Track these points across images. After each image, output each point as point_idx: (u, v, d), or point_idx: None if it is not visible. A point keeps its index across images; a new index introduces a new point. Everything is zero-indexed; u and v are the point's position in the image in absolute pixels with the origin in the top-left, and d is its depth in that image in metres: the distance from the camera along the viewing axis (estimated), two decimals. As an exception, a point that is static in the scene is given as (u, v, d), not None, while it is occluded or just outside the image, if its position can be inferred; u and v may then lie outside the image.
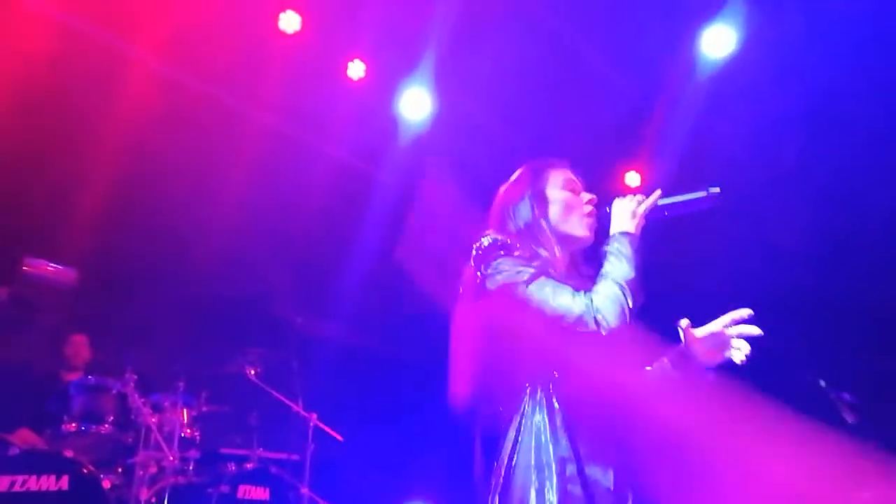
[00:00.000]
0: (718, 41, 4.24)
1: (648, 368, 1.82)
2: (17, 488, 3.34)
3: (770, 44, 4.09)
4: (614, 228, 1.69)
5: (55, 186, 4.40)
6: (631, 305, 1.55)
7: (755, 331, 1.67)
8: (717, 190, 1.64)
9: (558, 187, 1.78)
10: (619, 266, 1.60)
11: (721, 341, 1.68)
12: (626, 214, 1.69)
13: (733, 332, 1.68)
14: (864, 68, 3.92)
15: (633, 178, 5.16)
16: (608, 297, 1.54)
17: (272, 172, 4.83)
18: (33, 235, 4.15)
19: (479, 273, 1.66)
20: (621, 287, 1.56)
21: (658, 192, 1.71)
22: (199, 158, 4.53)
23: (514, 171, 1.93)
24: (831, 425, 3.21)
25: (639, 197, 1.71)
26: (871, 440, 3.05)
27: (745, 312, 1.68)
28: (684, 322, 1.72)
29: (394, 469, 5.19)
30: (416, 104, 4.55)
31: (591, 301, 1.54)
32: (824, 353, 4.25)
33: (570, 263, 1.75)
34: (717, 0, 4.12)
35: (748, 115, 4.44)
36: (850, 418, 3.20)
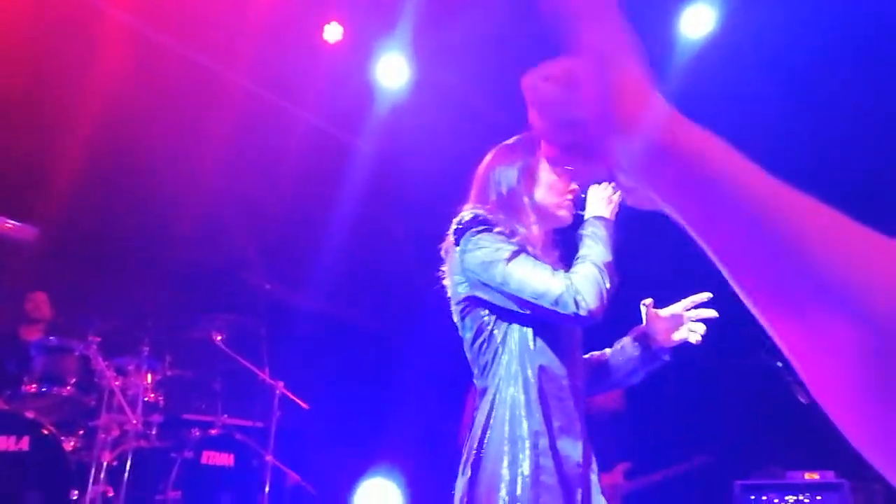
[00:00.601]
0: (698, 21, 4.23)
1: (609, 350, 1.89)
2: (-24, 447, 3.29)
3: (750, 24, 4.09)
4: (589, 213, 1.73)
5: (28, 145, 4.29)
6: (608, 287, 1.58)
7: (711, 314, 1.76)
8: None
9: (548, 167, 1.78)
10: (596, 248, 1.63)
11: (680, 323, 1.77)
12: (601, 200, 1.73)
13: (692, 315, 1.77)
14: (844, 48, 3.95)
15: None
16: (587, 278, 1.56)
17: (247, 137, 4.75)
18: (4, 194, 4.05)
19: (458, 247, 1.67)
20: (599, 269, 1.59)
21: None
22: (172, 120, 4.44)
23: (490, 142, 1.91)
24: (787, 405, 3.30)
25: (613, 184, 1.73)
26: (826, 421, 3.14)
27: (704, 296, 1.76)
28: (648, 301, 1.80)
29: (359, 440, 5.23)
30: (393, 71, 4.48)
31: (571, 281, 1.55)
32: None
33: (545, 242, 1.77)
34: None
35: (726, 96, 4.46)
36: (804, 399, 3.28)
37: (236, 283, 4.77)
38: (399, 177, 5.09)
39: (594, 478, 1.65)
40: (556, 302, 1.53)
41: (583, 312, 1.52)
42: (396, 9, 4.08)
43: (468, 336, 1.73)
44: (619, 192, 1.72)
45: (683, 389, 4.22)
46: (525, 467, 1.52)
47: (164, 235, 4.90)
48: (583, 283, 1.55)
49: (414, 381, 5.31)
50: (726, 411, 4.06)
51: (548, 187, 1.77)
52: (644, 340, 1.81)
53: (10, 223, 3.74)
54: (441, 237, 1.78)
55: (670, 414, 4.39)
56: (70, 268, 4.76)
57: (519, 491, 1.50)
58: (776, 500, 3.82)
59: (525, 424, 1.55)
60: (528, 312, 1.61)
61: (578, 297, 1.53)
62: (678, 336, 1.77)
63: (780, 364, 3.37)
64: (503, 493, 1.51)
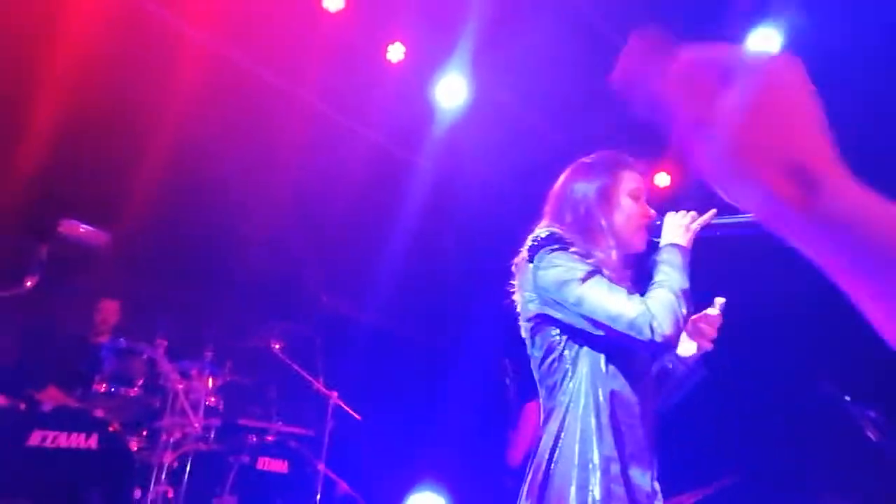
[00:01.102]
0: (764, 42, 4.15)
1: None
2: (48, 444, 3.43)
3: (814, 46, 3.99)
4: (665, 240, 1.68)
5: (107, 157, 4.49)
6: (684, 314, 1.55)
7: (718, 318, 1.80)
8: None
9: (627, 192, 1.76)
10: (672, 275, 1.59)
11: (698, 330, 1.81)
12: (678, 228, 1.68)
13: (708, 325, 1.81)
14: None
15: (662, 179, 5.10)
16: (663, 304, 1.53)
17: (312, 152, 4.86)
18: (84, 201, 4.25)
19: (532, 264, 1.66)
20: (676, 295, 1.56)
21: (713, 211, 1.70)
22: (242, 136, 4.60)
23: (544, 161, 1.92)
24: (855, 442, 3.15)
25: (692, 213, 1.70)
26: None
27: (719, 301, 1.81)
28: (721, 300, 1.82)
29: (409, 452, 5.24)
30: (452, 90, 4.54)
31: (647, 306, 1.52)
32: (849, 366, 4.16)
33: (621, 267, 1.73)
34: (764, 1, 4.02)
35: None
36: (874, 436, 3.13)
37: (296, 294, 4.87)
38: (456, 194, 5.13)
39: None
40: (631, 326, 1.50)
41: (658, 338, 1.49)
42: (457, 30, 4.14)
43: (537, 354, 1.71)
44: (696, 222, 1.68)
45: (737, 412, 4.09)
46: (596, 493, 1.49)
47: (231, 246, 5.05)
48: (659, 309, 1.52)
49: (465, 395, 5.30)
50: (783, 442, 3.89)
51: (625, 211, 1.74)
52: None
53: (84, 228, 3.94)
54: (496, 253, 1.78)
55: (711, 438, 4.24)
56: (141, 273, 4.96)
57: None
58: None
59: (596, 449, 1.53)
60: (601, 334, 1.58)
61: (654, 323, 1.50)
62: (695, 345, 1.80)
63: (847, 398, 3.23)
64: None
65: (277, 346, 4.56)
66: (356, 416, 4.60)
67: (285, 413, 4.62)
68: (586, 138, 1.96)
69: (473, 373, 4.94)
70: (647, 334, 1.49)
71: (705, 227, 1.68)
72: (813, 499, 3.69)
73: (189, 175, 4.66)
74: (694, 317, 1.80)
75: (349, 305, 5.45)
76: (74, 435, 3.55)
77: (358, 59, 4.43)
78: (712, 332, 1.81)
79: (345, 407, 4.57)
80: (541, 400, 1.70)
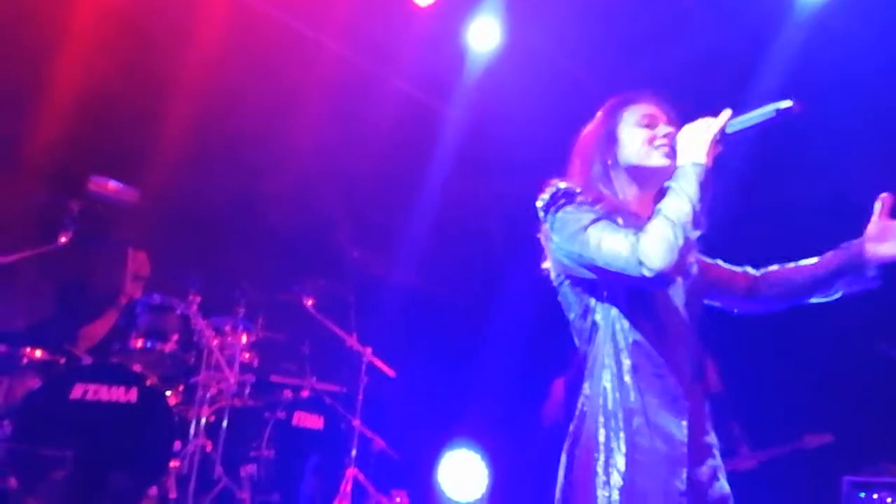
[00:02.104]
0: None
1: (812, 259, 1.74)
2: (89, 396, 3.51)
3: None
4: (681, 159, 1.57)
5: (131, 112, 4.45)
6: (682, 242, 1.44)
7: None
8: (789, 104, 1.49)
9: (632, 124, 1.70)
10: (674, 201, 1.49)
11: None
12: (692, 142, 1.56)
13: None
14: None
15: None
16: (654, 237, 1.44)
17: (340, 104, 4.76)
18: (114, 158, 4.25)
19: (547, 227, 1.64)
20: (672, 222, 1.45)
21: (728, 112, 1.57)
22: (267, 85, 4.51)
23: (584, 108, 1.84)
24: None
25: (708, 119, 1.58)
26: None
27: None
28: (885, 195, 1.66)
29: (443, 408, 5.25)
30: (485, 34, 4.35)
31: (638, 241, 1.45)
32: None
33: (650, 202, 1.64)
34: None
35: (844, 61, 4.08)
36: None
37: (327, 249, 4.84)
38: (490, 144, 4.99)
39: (712, 461, 1.57)
40: (625, 265, 1.45)
41: (648, 273, 1.42)
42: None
43: (571, 317, 1.69)
44: (712, 129, 1.55)
45: (799, 372, 3.98)
46: (620, 446, 1.48)
47: (260, 200, 5.02)
48: (649, 243, 1.44)
49: (499, 353, 5.26)
50: (840, 401, 3.78)
51: (631, 143, 1.68)
52: (857, 256, 1.66)
53: (114, 184, 3.94)
54: (532, 206, 1.74)
55: (780, 397, 4.14)
56: (171, 230, 4.96)
57: (614, 470, 1.46)
58: (889, 500, 3.55)
59: (619, 403, 1.51)
60: (608, 280, 1.55)
61: (643, 258, 1.43)
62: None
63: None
64: (600, 471, 1.48)
65: (310, 303, 4.56)
66: (390, 372, 4.59)
67: (319, 369, 4.65)
68: (624, 83, 1.85)
69: (507, 328, 4.88)
70: (636, 271, 1.44)
71: (723, 134, 1.56)
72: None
73: (215, 128, 4.61)
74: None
75: (381, 261, 5.40)
76: (115, 388, 3.61)
77: (385, 3, 4.26)
78: None
79: (378, 363, 4.56)
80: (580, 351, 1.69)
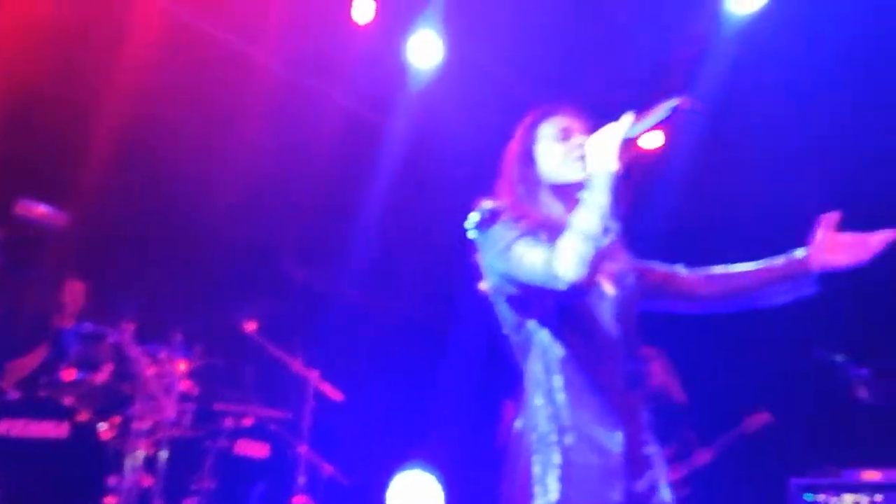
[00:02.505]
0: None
1: (754, 263, 1.78)
2: (16, 433, 3.37)
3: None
4: (590, 168, 1.58)
5: (59, 131, 4.33)
6: (592, 254, 1.45)
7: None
8: (678, 101, 1.52)
9: (548, 140, 1.73)
10: (583, 213, 1.51)
11: (854, 245, 1.70)
12: (601, 149, 1.57)
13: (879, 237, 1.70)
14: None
15: (654, 139, 5.00)
16: (565, 251, 1.47)
17: (279, 120, 4.72)
18: (37, 178, 4.11)
19: (477, 246, 1.67)
20: (582, 236, 1.47)
21: (630, 115, 1.58)
22: (204, 106, 4.45)
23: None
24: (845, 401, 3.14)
25: (612, 125, 1.58)
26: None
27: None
28: (833, 214, 1.74)
29: (394, 431, 5.20)
30: (425, 50, 4.37)
31: (551, 256, 1.49)
32: (842, 327, 4.15)
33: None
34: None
35: (774, 75, 4.28)
36: (864, 395, 3.12)
37: (269, 270, 4.75)
38: (433, 158, 5.03)
39: (652, 471, 1.58)
40: (542, 280, 1.49)
41: (562, 286, 1.46)
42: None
43: (506, 332, 1.71)
44: (617, 134, 1.55)
45: (744, 377, 4.11)
46: (554, 461, 1.50)
47: (197, 222, 4.90)
48: (561, 255, 1.47)
49: (449, 371, 5.25)
50: (780, 405, 3.91)
51: (551, 159, 1.72)
52: (801, 264, 1.72)
53: (42, 209, 3.77)
54: None
55: (726, 402, 4.25)
56: (102, 254, 4.79)
57: (550, 486, 1.48)
58: (833, 500, 3.64)
59: (552, 419, 1.53)
60: (534, 296, 1.58)
61: (556, 271, 1.47)
62: (848, 258, 1.70)
63: (839, 359, 3.19)
64: (537, 488, 1.50)
65: (252, 326, 4.45)
66: (338, 395, 4.51)
67: (264, 396, 4.57)
68: (565, 97, 1.86)
69: (459, 347, 4.87)
70: (552, 285, 1.47)
71: (626, 139, 1.56)
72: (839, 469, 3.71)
73: (147, 149, 4.51)
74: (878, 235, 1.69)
75: (326, 280, 5.33)
76: (43, 423, 3.48)
77: (323, 19, 4.26)
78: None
79: (325, 387, 4.47)
80: None
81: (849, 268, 1.71)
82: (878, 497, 3.56)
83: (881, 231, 1.70)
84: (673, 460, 4.07)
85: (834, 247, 1.72)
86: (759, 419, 4.03)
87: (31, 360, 4.01)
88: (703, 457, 4.02)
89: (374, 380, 5.35)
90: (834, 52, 3.99)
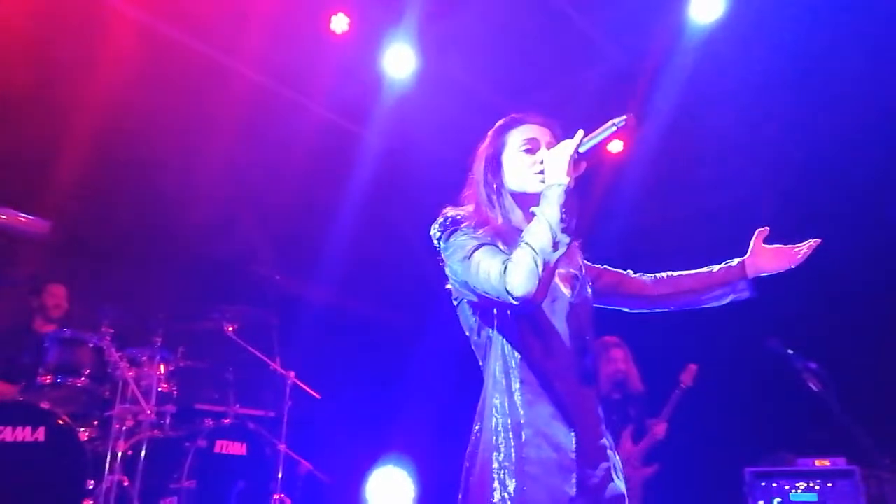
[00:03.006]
0: (707, 6, 4.19)
1: (704, 269, 1.98)
2: (-8, 438, 3.32)
3: (758, 10, 4.06)
4: (546, 181, 1.65)
5: (38, 140, 4.31)
6: (542, 269, 1.51)
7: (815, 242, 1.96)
8: (623, 119, 1.64)
9: (515, 149, 1.77)
10: (536, 228, 1.56)
11: (784, 256, 1.94)
12: (555, 163, 1.65)
13: (800, 248, 1.96)
14: (851, 34, 3.91)
15: (615, 145, 5.14)
16: (517, 265, 1.51)
17: (255, 129, 4.75)
18: (14, 188, 4.07)
19: (440, 252, 1.71)
20: (532, 252, 1.52)
21: (581, 132, 1.66)
22: (181, 114, 4.45)
23: None
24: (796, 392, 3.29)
25: (566, 141, 1.67)
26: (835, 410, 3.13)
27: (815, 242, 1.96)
28: (764, 229, 1.96)
29: (371, 429, 5.26)
30: (399, 61, 4.46)
31: (504, 269, 1.52)
32: (795, 322, 4.32)
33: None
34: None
35: (733, 81, 4.43)
36: (815, 386, 3.26)
37: (247, 275, 4.79)
38: (407, 166, 5.09)
39: (606, 463, 1.64)
40: (495, 292, 1.53)
41: (514, 301, 1.50)
42: (402, -2, 4.06)
43: (467, 335, 1.76)
44: (569, 149, 1.64)
45: (701, 370, 4.23)
46: (511, 457, 1.54)
47: (175, 228, 4.92)
48: (513, 271, 1.51)
49: (424, 370, 5.32)
50: (735, 397, 4.05)
51: (514, 169, 1.76)
52: (739, 271, 1.93)
53: (23, 217, 3.77)
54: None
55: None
56: (82, 261, 4.79)
57: (507, 480, 1.53)
58: (787, 487, 3.82)
59: (509, 417, 1.57)
60: (490, 303, 1.61)
61: (507, 286, 1.50)
62: (776, 265, 1.93)
63: (790, 351, 3.35)
64: (494, 484, 1.53)
65: (231, 329, 4.49)
66: (315, 394, 4.58)
67: (243, 395, 4.58)
68: (535, 106, 1.95)
69: (431, 345, 4.95)
70: (505, 297, 1.51)
71: (579, 151, 1.66)
72: (794, 457, 3.88)
73: (125, 155, 4.51)
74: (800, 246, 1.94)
75: (304, 284, 5.38)
76: (20, 429, 3.48)
77: (300, 31, 4.31)
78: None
79: (303, 386, 4.54)
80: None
81: (777, 273, 1.94)
82: (829, 483, 3.76)
83: (806, 242, 1.96)
84: (635, 439, 4.22)
85: (765, 256, 1.94)
86: (691, 370, 4.22)
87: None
88: (660, 428, 4.17)
89: (350, 379, 5.41)
90: (791, 63, 4.16)
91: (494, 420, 1.59)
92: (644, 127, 4.75)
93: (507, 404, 1.59)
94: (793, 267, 1.95)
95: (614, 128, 1.65)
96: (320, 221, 5.36)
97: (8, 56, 3.89)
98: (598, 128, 1.66)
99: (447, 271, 1.71)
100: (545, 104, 4.50)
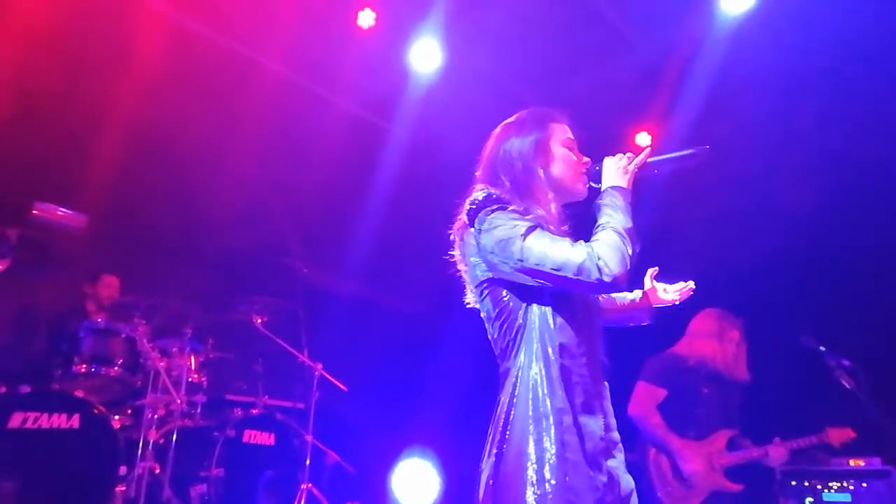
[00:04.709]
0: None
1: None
2: (29, 425, 3.44)
3: (788, 1, 3.98)
4: (606, 183, 1.72)
5: (72, 136, 4.39)
6: (631, 253, 1.57)
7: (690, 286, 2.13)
8: (705, 148, 1.69)
9: (559, 142, 1.78)
10: (616, 216, 1.63)
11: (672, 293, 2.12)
12: (617, 170, 1.72)
13: (676, 287, 2.13)
14: (885, 22, 3.81)
15: (643, 138, 5.08)
16: (609, 245, 1.56)
17: (283, 123, 4.79)
18: (49, 181, 4.17)
19: (473, 228, 1.66)
20: (621, 235, 1.58)
21: (647, 150, 1.75)
22: (210, 109, 4.51)
23: None
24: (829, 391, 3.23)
25: (629, 154, 1.75)
26: (869, 408, 3.07)
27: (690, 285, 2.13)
28: (653, 270, 2.14)
29: (397, 420, 5.28)
30: (426, 55, 4.46)
31: (592, 249, 1.55)
32: (828, 317, 4.23)
33: (561, 219, 1.75)
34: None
35: (764, 74, 4.35)
36: (847, 384, 3.21)
37: (275, 267, 4.84)
38: (433, 160, 5.09)
39: (620, 455, 1.65)
40: (580, 270, 1.53)
41: (606, 278, 1.52)
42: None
43: (491, 319, 1.72)
44: (633, 163, 1.75)
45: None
46: (550, 445, 1.51)
47: (206, 221, 4.99)
48: (605, 250, 1.55)
49: (450, 362, 5.33)
50: (768, 394, 3.98)
51: (562, 161, 1.77)
52: (643, 299, 2.11)
53: (62, 211, 3.87)
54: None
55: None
56: (116, 253, 4.89)
57: (546, 469, 1.49)
58: (819, 487, 3.75)
59: (549, 402, 1.55)
60: (549, 286, 1.59)
61: (601, 263, 1.52)
62: (663, 297, 2.10)
63: (823, 349, 3.29)
64: (530, 471, 1.49)
65: (260, 321, 4.55)
66: (342, 386, 4.62)
67: (271, 387, 4.64)
68: (563, 102, 1.95)
69: (456, 338, 4.96)
70: (595, 275, 1.52)
71: (644, 167, 1.75)
72: (828, 456, 3.81)
73: (157, 150, 4.58)
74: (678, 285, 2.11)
75: (331, 277, 5.42)
76: (55, 416, 3.56)
77: (327, 26, 4.33)
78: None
79: (330, 378, 4.59)
80: (498, 361, 1.72)
81: (667, 304, 2.12)
82: (864, 484, 3.68)
83: (681, 284, 2.13)
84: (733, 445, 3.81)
85: (655, 290, 2.12)
86: (847, 434, 3.77)
87: None
88: (778, 453, 3.76)
89: (376, 372, 5.44)
90: (824, 56, 4.07)
91: (531, 407, 1.55)
92: (673, 120, 4.69)
93: (546, 390, 1.56)
94: (677, 303, 2.12)
95: (691, 151, 1.70)
96: (347, 215, 5.39)
97: (42, 54, 3.96)
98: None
99: (477, 249, 1.68)
100: (573, 97, 4.48)
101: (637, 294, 2.12)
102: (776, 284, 4.70)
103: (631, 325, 2.14)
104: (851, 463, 3.75)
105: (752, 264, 4.77)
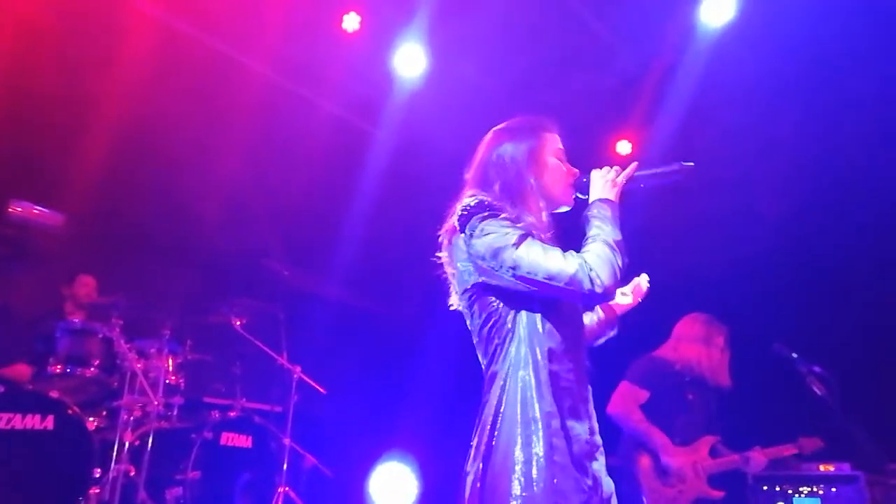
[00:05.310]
0: (717, 9, 4.19)
1: None
2: (1, 426, 3.39)
3: (768, 12, 4.06)
4: (594, 195, 1.75)
5: (54, 136, 4.36)
6: (620, 265, 1.61)
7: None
8: (690, 164, 1.73)
9: (551, 153, 1.80)
10: (605, 228, 1.66)
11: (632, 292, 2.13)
12: (605, 183, 1.75)
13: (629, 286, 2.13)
14: (861, 34, 3.90)
15: (624, 147, 5.14)
16: (601, 257, 1.59)
17: (268, 125, 4.79)
18: (34, 180, 4.13)
19: (464, 234, 1.66)
20: (611, 247, 1.62)
21: (635, 164, 1.78)
22: (196, 110, 4.50)
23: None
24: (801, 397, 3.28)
25: (616, 168, 1.78)
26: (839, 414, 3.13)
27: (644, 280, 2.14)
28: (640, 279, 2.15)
29: (375, 424, 5.28)
30: (410, 60, 4.49)
31: (584, 260, 1.58)
32: (807, 323, 4.30)
33: (549, 228, 1.77)
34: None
35: (744, 84, 4.43)
36: (819, 390, 3.26)
37: (256, 269, 4.83)
38: (416, 164, 5.12)
39: (602, 458, 1.66)
40: (572, 282, 1.55)
41: (598, 290, 1.55)
42: (413, -1, 4.09)
43: (477, 323, 1.72)
44: (621, 176, 1.77)
45: None
46: (539, 448, 1.52)
47: (187, 222, 4.96)
48: (596, 262, 1.58)
49: (429, 366, 5.34)
50: (738, 400, 4.04)
51: (553, 170, 1.79)
52: (611, 309, 2.11)
53: (38, 209, 3.83)
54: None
55: None
56: (94, 252, 4.84)
57: (534, 472, 1.50)
58: (790, 491, 3.81)
59: (537, 406, 1.55)
60: (540, 294, 1.61)
61: (593, 275, 1.55)
62: (621, 301, 2.10)
63: (795, 355, 3.34)
64: (518, 473, 1.50)
65: (239, 323, 4.53)
66: (321, 389, 4.61)
67: (250, 389, 4.61)
68: (545, 108, 1.97)
69: (436, 342, 4.97)
70: (587, 286, 1.55)
71: (631, 180, 1.78)
72: (798, 462, 3.86)
73: (139, 150, 4.55)
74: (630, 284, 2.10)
75: (311, 280, 5.41)
76: (29, 416, 3.51)
77: (313, 29, 4.34)
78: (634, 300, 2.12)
79: (309, 381, 4.57)
80: (483, 367, 1.72)
81: (629, 308, 2.13)
82: (833, 489, 3.75)
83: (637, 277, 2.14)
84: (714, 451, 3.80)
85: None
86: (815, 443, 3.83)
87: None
88: (759, 459, 3.75)
89: (355, 375, 5.44)
90: (801, 66, 4.16)
91: (519, 411, 1.56)
92: (653, 129, 4.75)
93: (535, 394, 1.57)
94: (639, 301, 2.13)
95: (677, 167, 1.73)
96: (330, 217, 5.39)
97: (29, 54, 3.94)
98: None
99: (466, 254, 1.68)
100: (555, 104, 4.50)
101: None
102: (756, 290, 4.77)
103: (601, 340, 2.09)
104: (822, 468, 3.81)
105: (731, 270, 4.84)
